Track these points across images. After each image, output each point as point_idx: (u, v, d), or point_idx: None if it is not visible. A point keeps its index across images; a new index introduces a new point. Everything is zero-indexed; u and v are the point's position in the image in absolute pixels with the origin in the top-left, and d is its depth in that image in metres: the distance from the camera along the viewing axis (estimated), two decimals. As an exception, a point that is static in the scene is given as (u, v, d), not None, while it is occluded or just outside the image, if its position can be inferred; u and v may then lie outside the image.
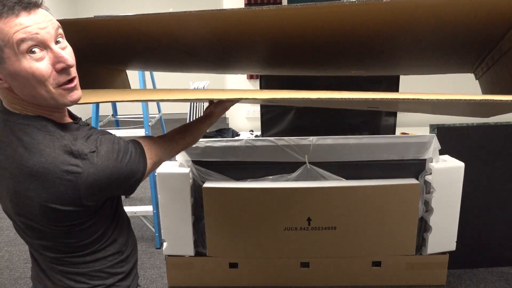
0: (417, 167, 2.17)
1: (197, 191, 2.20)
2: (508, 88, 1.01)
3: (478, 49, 1.11)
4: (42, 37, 0.77)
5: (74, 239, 0.90)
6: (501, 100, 0.74)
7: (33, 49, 0.76)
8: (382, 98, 0.82)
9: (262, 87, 2.34)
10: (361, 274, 2.28)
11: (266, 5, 4.21)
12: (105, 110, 4.12)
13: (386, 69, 1.48)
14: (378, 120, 2.41)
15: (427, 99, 0.78)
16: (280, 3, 4.26)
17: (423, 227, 2.23)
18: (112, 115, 3.33)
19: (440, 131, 2.26)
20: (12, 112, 0.85)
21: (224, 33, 1.09)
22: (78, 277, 0.94)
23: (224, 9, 0.95)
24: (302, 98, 0.90)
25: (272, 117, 2.44)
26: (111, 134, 0.91)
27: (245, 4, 4.19)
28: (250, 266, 2.29)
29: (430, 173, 2.13)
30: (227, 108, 1.28)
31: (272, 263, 2.28)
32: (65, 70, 0.81)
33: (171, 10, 1.02)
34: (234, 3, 3.74)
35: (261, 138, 2.17)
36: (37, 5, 0.78)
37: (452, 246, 2.22)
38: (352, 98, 0.83)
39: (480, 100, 0.76)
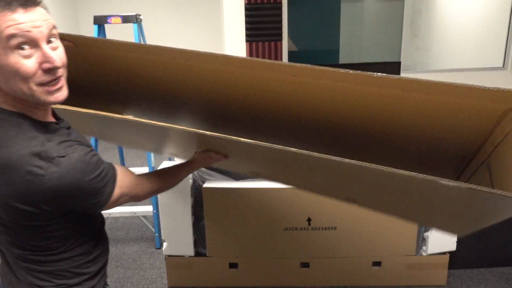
0: (417, 167, 2.17)
1: (197, 191, 2.19)
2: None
3: (457, 160, 1.17)
4: (33, 35, 0.77)
5: (36, 239, 0.88)
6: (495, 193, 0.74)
7: (22, 46, 0.77)
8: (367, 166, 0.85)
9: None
10: (361, 274, 2.28)
11: (266, 5, 4.21)
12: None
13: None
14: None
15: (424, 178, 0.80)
16: (280, 3, 4.26)
17: (423, 227, 2.22)
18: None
19: (440, 131, 2.25)
20: None
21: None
22: (42, 275, 0.92)
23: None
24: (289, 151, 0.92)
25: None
26: (89, 147, 0.88)
27: (245, 4, 4.19)
28: (250, 266, 2.29)
29: (430, 173, 2.13)
30: (210, 158, 1.23)
31: (272, 263, 2.28)
32: (51, 70, 0.81)
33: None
34: (234, 4, 3.74)
35: (261, 138, 2.17)
36: (36, 3, 0.79)
37: (452, 246, 2.22)
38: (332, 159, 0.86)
39: (470, 187, 0.76)
